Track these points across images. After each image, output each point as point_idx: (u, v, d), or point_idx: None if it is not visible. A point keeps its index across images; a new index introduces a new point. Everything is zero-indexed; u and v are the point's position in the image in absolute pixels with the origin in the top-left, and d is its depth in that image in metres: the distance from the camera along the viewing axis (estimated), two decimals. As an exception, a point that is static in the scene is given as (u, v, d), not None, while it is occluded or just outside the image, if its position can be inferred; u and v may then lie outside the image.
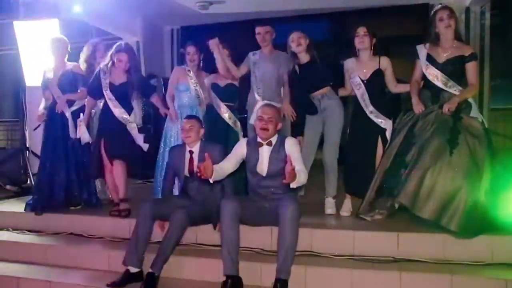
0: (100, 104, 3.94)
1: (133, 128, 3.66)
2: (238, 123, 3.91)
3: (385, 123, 3.36)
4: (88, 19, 5.47)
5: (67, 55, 3.97)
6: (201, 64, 4.03)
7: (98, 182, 4.13)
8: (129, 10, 6.24)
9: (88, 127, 3.91)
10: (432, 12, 3.22)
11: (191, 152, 3.21)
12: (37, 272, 3.22)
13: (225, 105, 3.87)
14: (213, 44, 3.77)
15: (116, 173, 3.61)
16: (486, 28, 5.65)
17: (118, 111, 3.62)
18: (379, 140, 3.37)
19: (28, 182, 5.02)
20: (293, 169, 2.55)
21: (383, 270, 2.73)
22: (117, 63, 3.62)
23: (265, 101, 3.59)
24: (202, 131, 3.24)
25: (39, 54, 4.41)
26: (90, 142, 3.84)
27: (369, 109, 3.37)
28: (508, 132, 5.44)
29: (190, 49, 3.93)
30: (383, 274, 2.70)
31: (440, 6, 3.20)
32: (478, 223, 2.82)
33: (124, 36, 6.37)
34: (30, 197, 4.03)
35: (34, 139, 5.06)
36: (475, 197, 2.84)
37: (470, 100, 3.17)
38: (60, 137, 3.86)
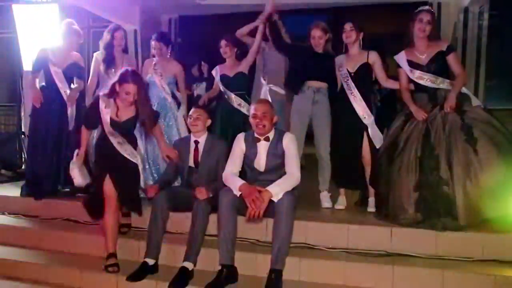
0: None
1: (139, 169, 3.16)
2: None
3: (367, 119, 3.41)
4: (87, 5, 5.43)
5: (78, 43, 3.98)
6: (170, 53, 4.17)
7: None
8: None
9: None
10: (415, 12, 3.25)
11: (196, 142, 3.22)
12: (34, 256, 3.26)
13: (236, 94, 3.88)
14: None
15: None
16: (484, 29, 5.69)
17: (124, 149, 3.06)
18: (365, 135, 3.42)
19: (23, 167, 5.01)
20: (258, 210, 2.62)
21: (376, 263, 2.79)
22: (123, 95, 2.99)
23: (271, 85, 3.85)
24: (209, 121, 3.25)
25: (38, 38, 4.38)
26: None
27: (357, 100, 3.41)
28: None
29: (156, 45, 3.99)
30: (376, 268, 2.76)
31: (424, 8, 3.24)
32: None
33: (122, 24, 6.33)
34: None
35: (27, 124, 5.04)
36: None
37: (464, 90, 3.23)
38: (56, 127, 3.82)
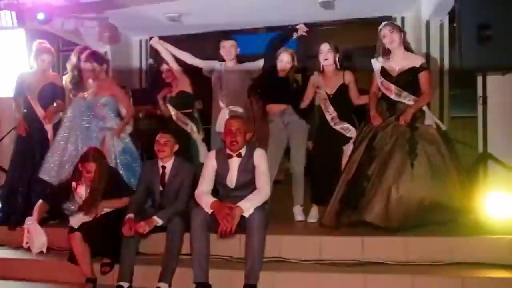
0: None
1: None
2: (195, 128, 3.96)
3: (351, 133, 3.50)
4: (54, 30, 5.42)
5: (50, 66, 3.98)
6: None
7: None
8: (97, 20, 6.22)
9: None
10: (379, 30, 3.38)
11: (163, 167, 3.20)
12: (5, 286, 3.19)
13: (182, 113, 3.94)
14: (155, 41, 4.00)
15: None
16: (445, 40, 5.91)
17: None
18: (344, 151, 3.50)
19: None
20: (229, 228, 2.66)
21: (348, 273, 2.84)
22: (85, 174, 3.15)
23: (230, 107, 3.78)
24: (176, 146, 3.23)
25: (4, 65, 4.34)
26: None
27: (334, 121, 3.51)
28: (467, 139, 5.69)
29: (87, 66, 3.86)
30: (349, 277, 2.81)
31: (383, 24, 3.38)
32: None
33: (92, 46, 6.34)
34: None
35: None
36: (439, 201, 3.05)
37: (424, 108, 3.34)
38: (37, 150, 3.81)
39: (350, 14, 6.32)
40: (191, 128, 3.96)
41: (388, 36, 3.29)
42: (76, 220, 3.03)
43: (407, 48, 3.36)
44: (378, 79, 3.38)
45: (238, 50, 3.97)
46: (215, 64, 3.98)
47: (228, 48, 3.91)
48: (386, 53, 3.36)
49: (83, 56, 3.84)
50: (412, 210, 3.05)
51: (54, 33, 5.66)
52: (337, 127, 3.50)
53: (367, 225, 3.13)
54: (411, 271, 2.80)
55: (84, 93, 3.87)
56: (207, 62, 4.02)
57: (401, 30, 3.36)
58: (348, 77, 3.57)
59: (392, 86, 3.31)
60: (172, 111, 4.02)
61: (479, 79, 3.92)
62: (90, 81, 3.80)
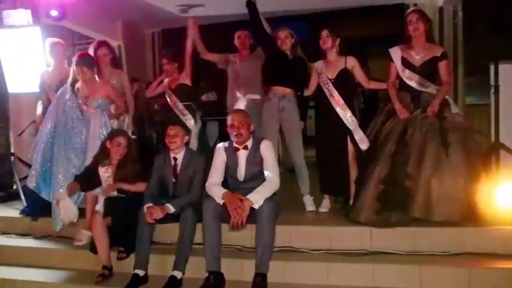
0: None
1: None
2: (192, 121, 3.98)
3: (352, 123, 3.49)
4: (70, 25, 5.54)
5: (66, 60, 4.07)
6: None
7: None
8: (110, 14, 6.33)
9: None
10: (405, 16, 3.37)
11: (175, 159, 3.28)
12: (30, 274, 3.32)
13: (183, 105, 4.00)
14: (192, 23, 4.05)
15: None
16: (458, 27, 5.85)
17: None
18: (348, 139, 3.51)
19: (14, 187, 5.06)
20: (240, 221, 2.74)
21: (357, 262, 2.91)
22: (115, 149, 3.32)
23: (248, 96, 3.89)
24: (186, 138, 3.31)
25: (22, 61, 4.47)
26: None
27: (340, 105, 3.49)
28: (483, 126, 5.66)
29: (78, 70, 3.74)
30: (357, 266, 2.88)
31: (411, 9, 3.38)
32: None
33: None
34: (18, 202, 4.18)
35: (18, 145, 5.11)
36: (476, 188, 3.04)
37: (447, 97, 3.36)
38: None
39: (362, 1, 6.29)
40: (189, 119, 4.01)
41: (413, 23, 3.27)
42: (100, 204, 3.21)
43: (429, 38, 3.35)
44: (399, 69, 3.36)
45: (251, 40, 4.07)
46: (229, 56, 4.09)
47: (242, 39, 4.05)
48: (407, 41, 3.35)
49: (74, 59, 3.78)
50: (455, 201, 3.03)
51: (68, 27, 5.78)
52: (341, 114, 3.48)
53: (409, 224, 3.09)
54: (418, 261, 2.85)
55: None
56: (221, 56, 4.11)
57: (427, 19, 3.33)
58: (351, 62, 3.54)
59: (416, 76, 3.30)
60: (171, 103, 4.09)
61: (492, 68, 3.90)
62: (81, 83, 3.77)
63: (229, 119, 3.13)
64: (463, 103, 5.85)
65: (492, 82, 3.82)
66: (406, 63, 3.35)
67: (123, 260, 3.20)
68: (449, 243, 2.96)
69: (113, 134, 3.42)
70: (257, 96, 3.97)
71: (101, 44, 4.09)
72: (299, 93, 3.73)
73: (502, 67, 3.88)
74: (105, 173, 3.35)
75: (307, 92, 3.73)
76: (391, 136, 3.26)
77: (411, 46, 3.35)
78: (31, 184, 3.77)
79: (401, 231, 3.03)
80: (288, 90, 3.71)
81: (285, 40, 3.69)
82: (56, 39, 4.10)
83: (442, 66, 3.29)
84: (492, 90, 3.81)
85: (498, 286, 2.66)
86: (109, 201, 3.22)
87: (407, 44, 3.37)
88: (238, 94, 3.99)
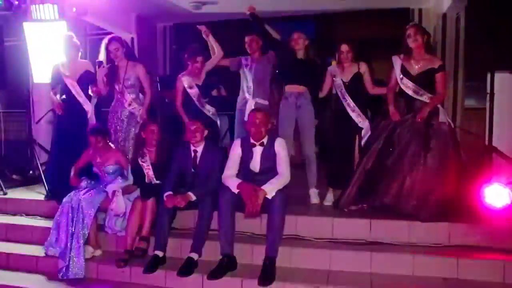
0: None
1: None
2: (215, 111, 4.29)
3: (363, 123, 3.82)
4: (89, 18, 5.76)
5: (80, 53, 4.30)
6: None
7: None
8: (125, 8, 6.54)
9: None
10: (405, 28, 3.64)
11: (195, 151, 3.55)
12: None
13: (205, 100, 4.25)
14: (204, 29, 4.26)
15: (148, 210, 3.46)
16: (460, 33, 6.09)
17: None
18: (357, 138, 3.84)
19: (32, 172, 5.33)
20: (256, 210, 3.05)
21: (356, 251, 3.21)
22: (149, 138, 3.64)
23: (256, 99, 4.07)
24: (206, 131, 3.57)
25: (47, 53, 4.72)
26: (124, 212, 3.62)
27: (351, 107, 3.82)
28: (480, 129, 5.92)
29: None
30: (357, 254, 3.18)
31: (410, 24, 3.65)
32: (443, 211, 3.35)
33: (119, 33, 6.67)
34: (37, 186, 4.49)
35: (37, 131, 5.39)
36: (444, 191, 3.37)
37: (438, 106, 3.63)
38: (75, 129, 4.14)
39: (369, 4, 6.50)
40: (214, 113, 4.28)
41: (412, 37, 3.55)
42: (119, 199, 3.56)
43: (428, 50, 3.63)
44: (398, 76, 3.64)
45: (260, 42, 4.23)
46: (241, 59, 4.25)
47: (249, 43, 4.20)
48: (408, 51, 3.62)
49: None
50: (422, 200, 3.37)
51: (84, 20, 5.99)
52: (353, 115, 3.81)
53: (379, 210, 3.53)
54: (412, 251, 3.16)
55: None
56: (233, 60, 4.29)
57: (425, 33, 3.60)
58: (363, 67, 3.88)
59: (411, 84, 3.59)
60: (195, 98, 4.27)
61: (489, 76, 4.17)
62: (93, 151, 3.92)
63: (250, 117, 3.40)
64: (462, 106, 6.10)
65: (488, 89, 4.12)
66: (404, 71, 3.63)
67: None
68: (441, 236, 3.26)
69: (145, 124, 3.75)
70: (265, 102, 4.12)
71: (111, 39, 4.23)
72: (313, 95, 4.02)
73: (498, 75, 4.18)
74: (144, 162, 3.65)
75: (321, 94, 4.04)
76: (381, 134, 3.62)
77: (411, 56, 3.63)
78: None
79: (397, 224, 3.34)
80: (303, 88, 4.00)
81: (298, 40, 3.96)
82: (70, 33, 4.31)
83: (438, 77, 3.56)
84: (488, 98, 4.12)
85: (482, 274, 2.97)
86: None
87: (409, 54, 3.64)
88: (247, 96, 4.16)
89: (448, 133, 3.55)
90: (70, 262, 3.36)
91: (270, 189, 3.10)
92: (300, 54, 4.02)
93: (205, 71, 4.21)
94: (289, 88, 4.03)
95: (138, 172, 3.71)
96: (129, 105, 4.22)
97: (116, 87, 4.24)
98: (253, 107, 3.92)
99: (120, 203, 3.56)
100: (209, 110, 4.22)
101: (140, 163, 3.67)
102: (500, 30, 4.22)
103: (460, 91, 6.10)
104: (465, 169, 3.57)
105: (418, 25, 3.66)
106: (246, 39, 4.22)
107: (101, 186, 3.73)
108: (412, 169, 3.43)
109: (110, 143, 3.92)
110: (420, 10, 6.87)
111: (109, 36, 4.28)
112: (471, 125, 5.93)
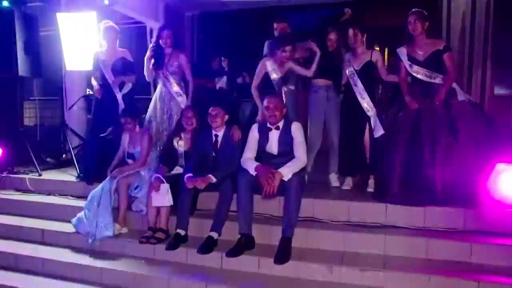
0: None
1: None
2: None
3: (371, 111, 3.87)
4: (119, 8, 5.96)
5: (118, 41, 4.53)
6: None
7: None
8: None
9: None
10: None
11: (216, 136, 3.69)
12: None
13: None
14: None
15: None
16: (491, 17, 5.96)
17: None
18: (367, 126, 3.91)
19: (65, 155, 5.63)
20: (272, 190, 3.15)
21: (371, 234, 3.29)
22: (187, 124, 3.86)
23: (284, 87, 4.08)
24: (226, 116, 3.70)
25: (78, 42, 4.96)
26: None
27: (362, 95, 3.89)
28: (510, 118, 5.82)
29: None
30: (371, 236, 3.27)
31: (411, 11, 3.66)
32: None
33: (147, 22, 6.88)
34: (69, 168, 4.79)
35: (69, 117, 5.67)
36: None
37: (454, 85, 3.66)
38: (109, 116, 4.39)
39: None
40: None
41: (412, 24, 3.61)
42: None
43: (429, 34, 3.66)
44: (407, 65, 3.70)
45: (289, 30, 4.33)
46: (264, 65, 4.14)
47: (279, 30, 4.29)
48: (411, 39, 3.68)
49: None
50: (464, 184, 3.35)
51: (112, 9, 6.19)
52: (363, 103, 3.86)
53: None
54: (426, 235, 3.21)
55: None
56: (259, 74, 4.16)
57: (425, 19, 3.63)
58: (376, 55, 3.95)
59: (422, 69, 3.64)
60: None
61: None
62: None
63: (265, 102, 3.51)
64: (492, 93, 5.99)
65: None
66: (411, 59, 3.69)
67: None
68: (456, 222, 3.30)
69: (182, 111, 4.02)
70: (292, 86, 4.16)
71: (164, 27, 4.49)
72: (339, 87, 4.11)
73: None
74: (180, 146, 3.89)
75: (343, 81, 4.12)
76: (404, 126, 3.62)
77: (414, 43, 3.69)
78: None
79: (412, 209, 3.39)
80: (330, 82, 4.10)
81: (331, 42, 4.05)
82: (110, 23, 4.53)
83: (446, 58, 3.61)
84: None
85: (495, 258, 3.00)
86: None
87: (412, 42, 3.70)
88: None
89: (471, 109, 3.57)
90: (97, 228, 3.62)
91: (287, 171, 3.21)
92: (330, 47, 4.10)
93: (289, 66, 4.07)
94: (318, 82, 4.13)
95: (167, 152, 3.92)
96: (171, 84, 4.41)
97: (160, 72, 4.44)
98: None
99: (164, 193, 3.55)
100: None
101: (176, 146, 3.87)
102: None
103: (488, 78, 5.99)
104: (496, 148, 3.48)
105: (419, 12, 3.64)
106: (276, 26, 4.29)
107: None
108: (450, 158, 3.41)
109: (138, 127, 4.10)
110: (445, -4, 6.73)
111: (161, 25, 4.55)
112: (500, 113, 5.85)
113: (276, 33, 4.33)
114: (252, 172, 3.29)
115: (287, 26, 4.33)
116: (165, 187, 3.54)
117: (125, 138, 4.07)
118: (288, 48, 3.90)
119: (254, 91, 4.06)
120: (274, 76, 4.00)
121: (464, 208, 3.30)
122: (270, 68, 4.01)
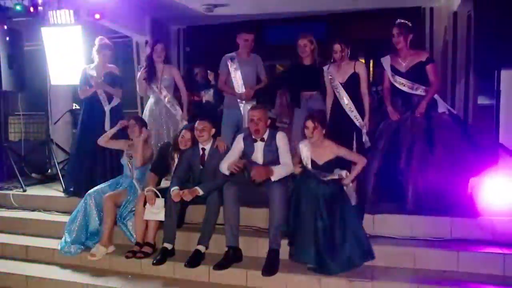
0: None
1: None
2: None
3: (360, 123, 3.82)
4: (104, 22, 5.95)
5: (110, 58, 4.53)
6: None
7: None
8: (139, 11, 6.72)
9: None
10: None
11: (203, 149, 3.68)
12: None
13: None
14: None
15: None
16: (472, 31, 6.09)
17: None
18: (354, 136, 3.85)
19: (50, 170, 5.56)
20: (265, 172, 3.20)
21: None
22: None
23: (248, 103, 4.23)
24: (213, 130, 3.69)
25: (63, 57, 4.93)
26: None
27: (349, 108, 3.83)
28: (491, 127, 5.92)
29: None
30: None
31: (395, 22, 3.70)
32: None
33: (133, 35, 6.89)
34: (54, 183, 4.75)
35: (54, 132, 5.61)
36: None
37: (435, 97, 3.70)
38: (95, 129, 4.34)
39: (380, 4, 6.53)
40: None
41: (395, 37, 3.66)
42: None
43: (412, 46, 3.70)
44: (390, 75, 3.73)
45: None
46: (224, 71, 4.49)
47: (250, 42, 4.37)
48: (395, 50, 3.72)
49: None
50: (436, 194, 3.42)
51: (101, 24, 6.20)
52: (352, 115, 3.82)
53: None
54: (414, 244, 3.23)
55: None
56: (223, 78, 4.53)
57: (409, 31, 3.66)
58: (359, 67, 3.87)
59: (404, 80, 3.68)
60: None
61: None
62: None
63: (249, 114, 3.52)
64: (475, 103, 6.09)
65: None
66: (394, 70, 3.72)
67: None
68: (443, 231, 3.32)
69: (180, 131, 3.92)
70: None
71: (157, 41, 4.56)
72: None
73: (506, 73, 4.20)
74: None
75: (328, 99, 4.00)
76: (383, 135, 3.67)
77: (398, 54, 3.73)
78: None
79: (400, 219, 3.41)
80: (313, 92, 4.12)
81: (304, 48, 4.06)
82: (106, 40, 4.52)
83: (429, 69, 3.65)
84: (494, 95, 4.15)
85: (483, 267, 3.02)
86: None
87: (395, 53, 3.74)
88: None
89: (450, 121, 3.61)
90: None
91: (277, 172, 3.23)
92: (307, 61, 4.11)
93: None
94: (302, 95, 4.16)
95: (160, 163, 3.86)
96: (165, 97, 4.46)
97: (154, 86, 4.47)
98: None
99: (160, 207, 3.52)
100: None
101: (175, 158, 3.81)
102: (505, 28, 4.23)
103: (471, 89, 6.10)
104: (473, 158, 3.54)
105: (402, 24, 3.67)
106: (247, 37, 4.34)
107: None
108: (424, 167, 3.46)
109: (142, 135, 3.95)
110: (431, 9, 6.86)
111: (154, 39, 4.69)
112: (483, 123, 5.94)
113: (241, 44, 4.39)
114: (226, 171, 3.35)
115: (253, 38, 4.38)
116: (160, 201, 3.51)
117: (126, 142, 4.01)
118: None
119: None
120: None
121: (439, 216, 3.35)
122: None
